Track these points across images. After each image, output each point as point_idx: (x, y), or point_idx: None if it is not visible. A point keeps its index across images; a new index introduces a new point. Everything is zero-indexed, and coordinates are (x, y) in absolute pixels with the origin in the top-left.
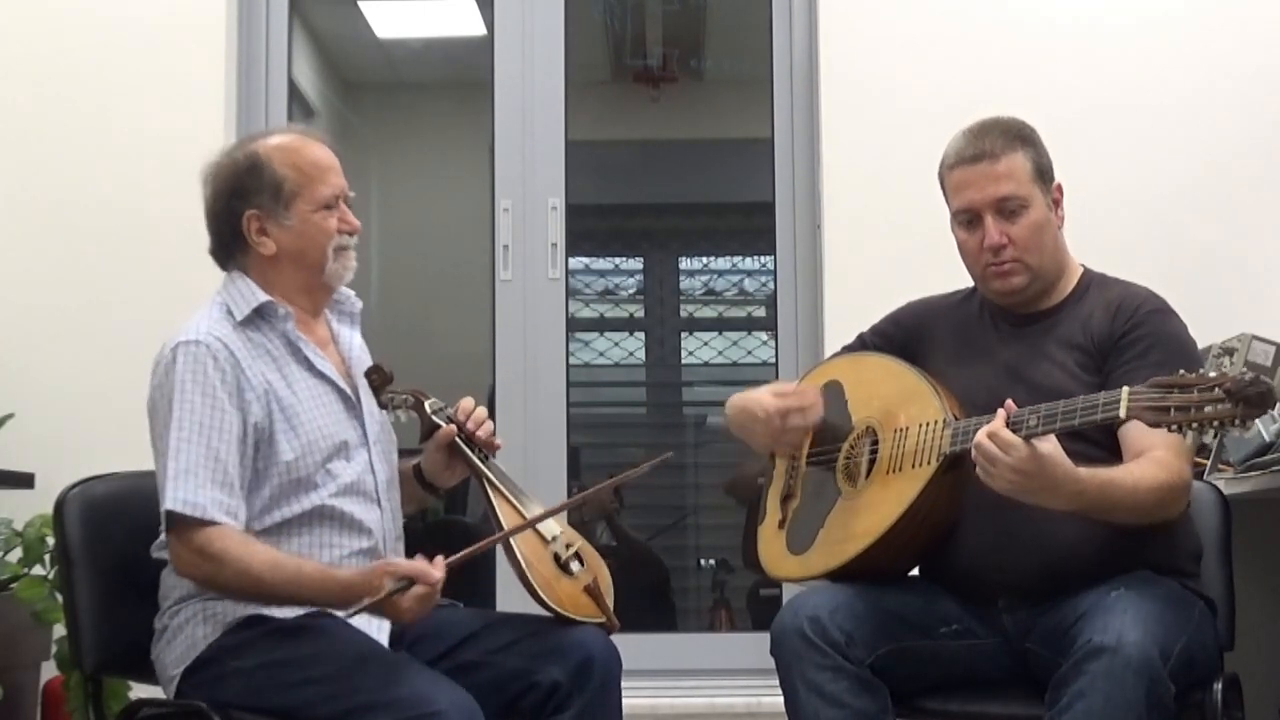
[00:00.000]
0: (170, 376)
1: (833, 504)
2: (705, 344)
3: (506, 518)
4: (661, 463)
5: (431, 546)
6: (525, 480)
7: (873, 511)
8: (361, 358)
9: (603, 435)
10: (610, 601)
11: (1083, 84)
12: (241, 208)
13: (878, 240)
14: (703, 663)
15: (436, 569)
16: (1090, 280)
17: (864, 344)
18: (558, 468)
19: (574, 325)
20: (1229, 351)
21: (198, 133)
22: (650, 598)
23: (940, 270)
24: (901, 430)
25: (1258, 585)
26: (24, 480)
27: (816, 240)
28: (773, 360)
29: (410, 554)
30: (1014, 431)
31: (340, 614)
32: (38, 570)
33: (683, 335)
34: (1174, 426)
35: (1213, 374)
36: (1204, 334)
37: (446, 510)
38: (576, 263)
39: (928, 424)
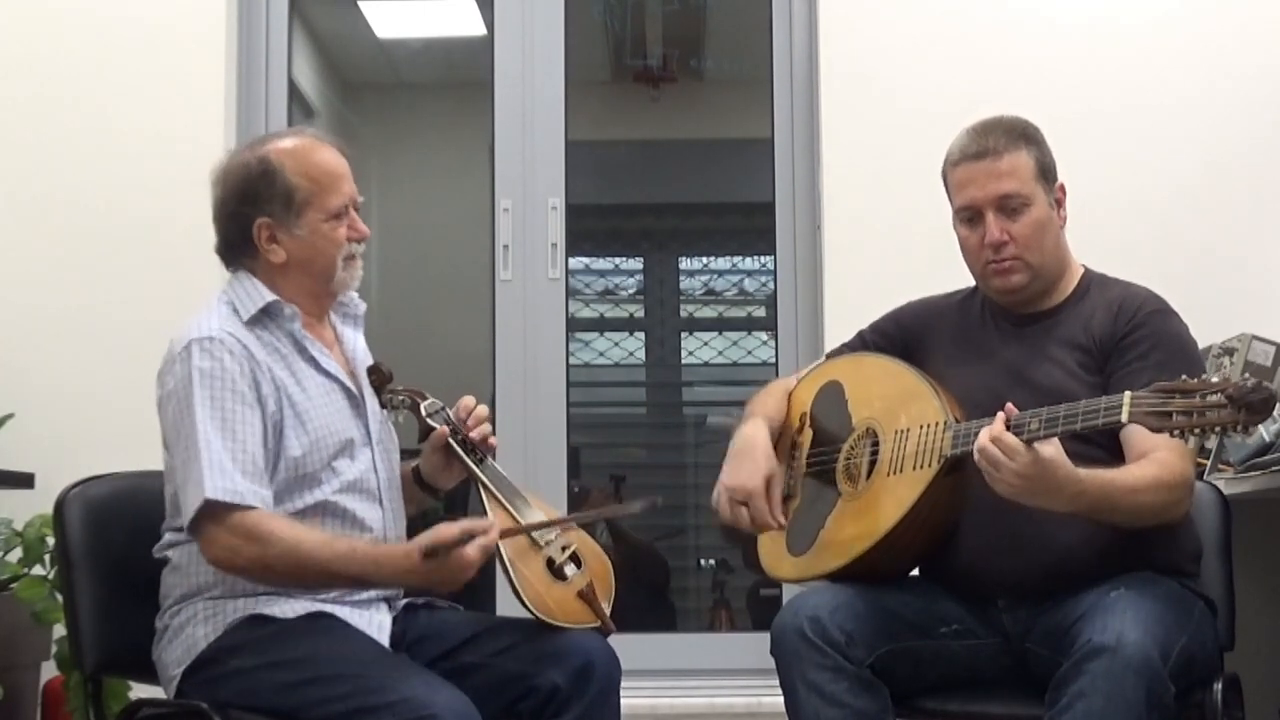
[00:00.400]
0: (188, 372)
1: (833, 505)
2: (705, 344)
3: (500, 523)
4: (651, 506)
5: None
6: (525, 480)
7: (873, 513)
8: (365, 359)
9: (603, 435)
10: (610, 602)
11: (1083, 84)
12: (252, 214)
13: (878, 240)
14: (703, 663)
15: (491, 524)
16: (1091, 280)
17: (864, 342)
18: (558, 468)
19: (574, 325)
20: (1229, 352)
21: (198, 133)
22: (650, 598)
23: (940, 270)
24: (902, 432)
25: (1258, 585)
26: (24, 480)
27: (816, 240)
28: (773, 360)
29: None
30: (1015, 435)
31: (347, 618)
32: (38, 570)
33: (683, 335)
34: (1176, 432)
35: (1215, 379)
36: (1204, 334)
37: (446, 510)
38: (576, 263)
39: (929, 426)
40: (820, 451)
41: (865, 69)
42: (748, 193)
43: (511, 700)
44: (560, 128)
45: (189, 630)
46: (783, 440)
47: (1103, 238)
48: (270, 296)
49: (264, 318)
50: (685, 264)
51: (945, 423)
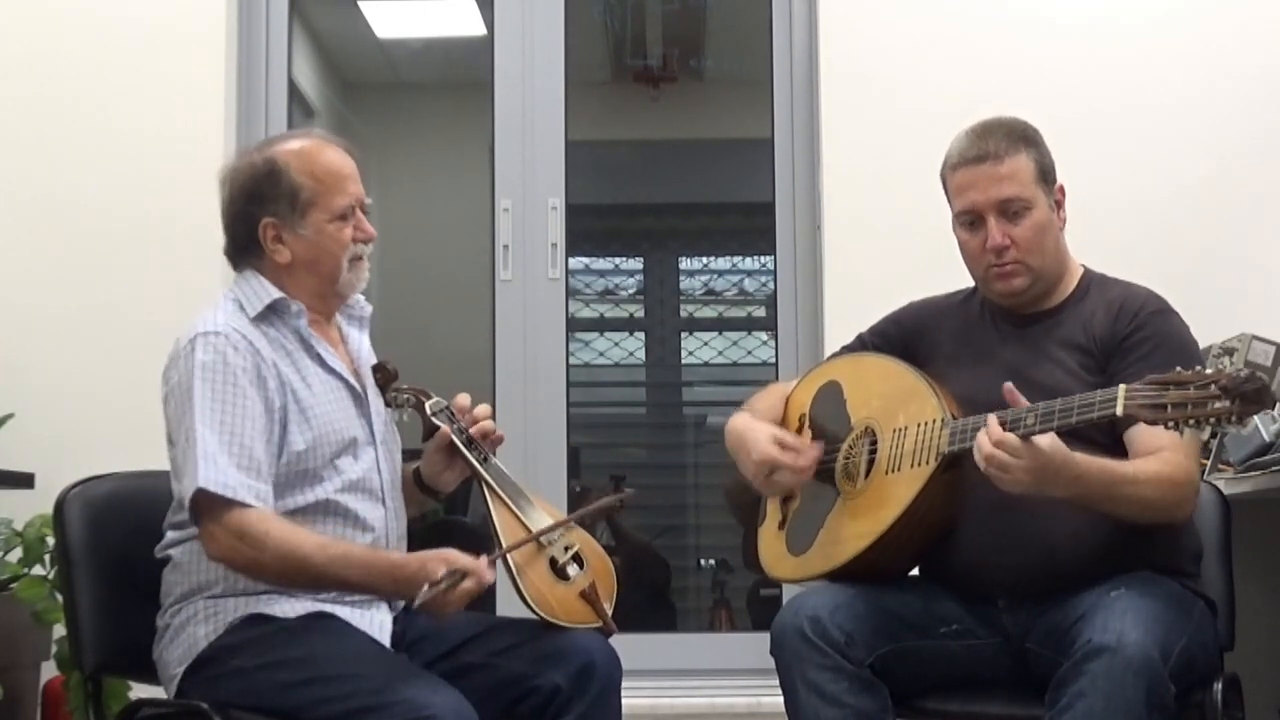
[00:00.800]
0: (190, 366)
1: (832, 504)
2: (705, 344)
3: (503, 524)
4: (619, 501)
5: (433, 547)
6: (525, 480)
7: (872, 511)
8: (370, 360)
9: (603, 435)
10: (611, 603)
11: (1083, 84)
12: (258, 214)
13: (878, 240)
14: (703, 663)
15: (488, 569)
16: (1091, 280)
17: (864, 344)
18: (558, 468)
19: (574, 325)
20: (1229, 351)
21: (198, 133)
22: (650, 598)
23: (940, 270)
24: (900, 430)
25: (1258, 585)
26: (24, 480)
27: (816, 240)
28: (773, 360)
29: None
30: (1012, 431)
31: (347, 618)
32: (38, 570)
33: (683, 335)
34: (1171, 424)
35: (1209, 371)
36: (1204, 334)
37: (447, 511)
38: (576, 263)
39: (926, 423)
40: None
41: (865, 69)
42: (748, 193)
43: (512, 701)
44: (560, 128)
45: (189, 629)
46: None
47: (1103, 238)
48: (276, 294)
49: (270, 315)
50: (685, 264)
51: (942, 420)
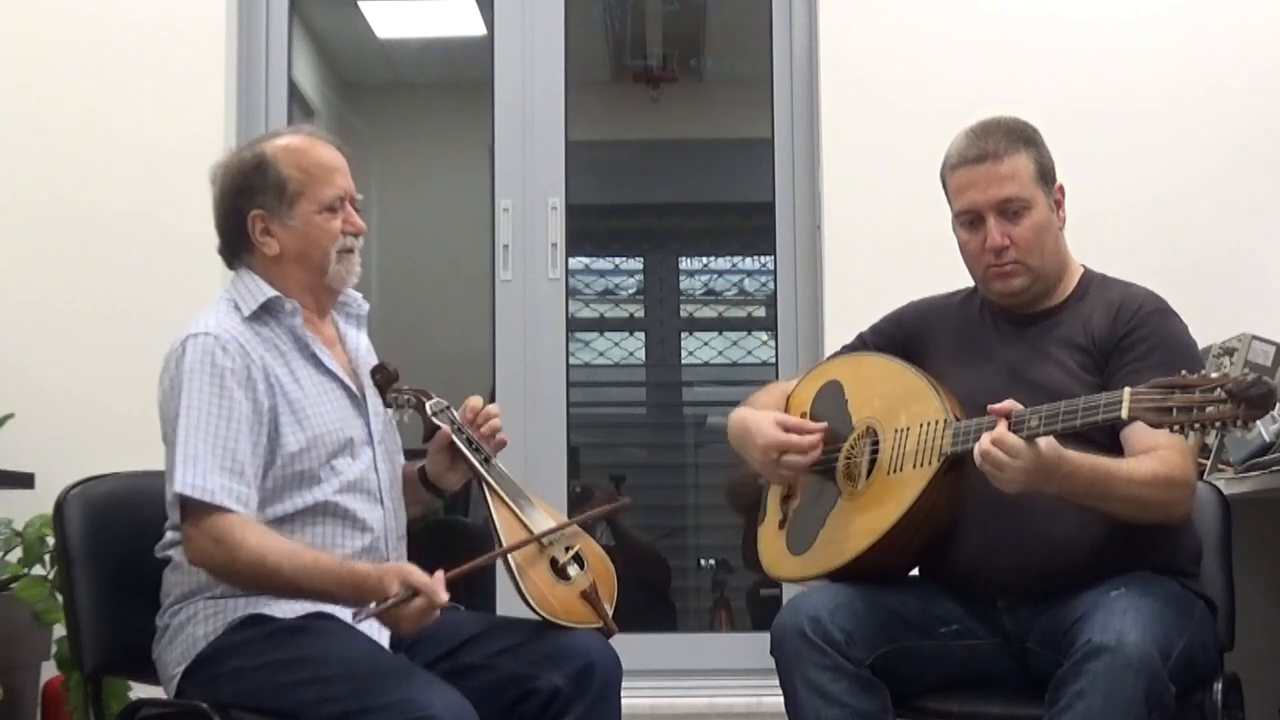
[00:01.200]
0: (179, 368)
1: (833, 504)
2: (705, 344)
3: (504, 524)
4: (619, 507)
5: (432, 547)
6: (525, 480)
7: (873, 512)
8: (368, 359)
9: (603, 435)
10: (611, 604)
11: (1083, 84)
12: (246, 207)
13: (878, 240)
14: (703, 663)
15: (442, 589)
16: (1091, 281)
17: (864, 344)
18: (558, 468)
19: (574, 325)
20: (1229, 351)
21: (198, 132)
22: (650, 598)
23: (940, 270)
24: (902, 430)
25: (1258, 585)
26: (24, 480)
27: (816, 240)
28: (773, 360)
29: (413, 554)
30: (1015, 433)
31: (346, 618)
32: (38, 570)
33: (683, 335)
34: (1176, 427)
35: (1214, 374)
36: (1204, 334)
37: (447, 510)
38: (576, 263)
39: (929, 424)
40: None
41: (865, 69)
42: (748, 193)
43: (512, 701)
44: (560, 128)
45: (189, 630)
46: None
47: (1103, 238)
48: (271, 292)
49: (265, 314)
50: (685, 264)
51: (945, 421)
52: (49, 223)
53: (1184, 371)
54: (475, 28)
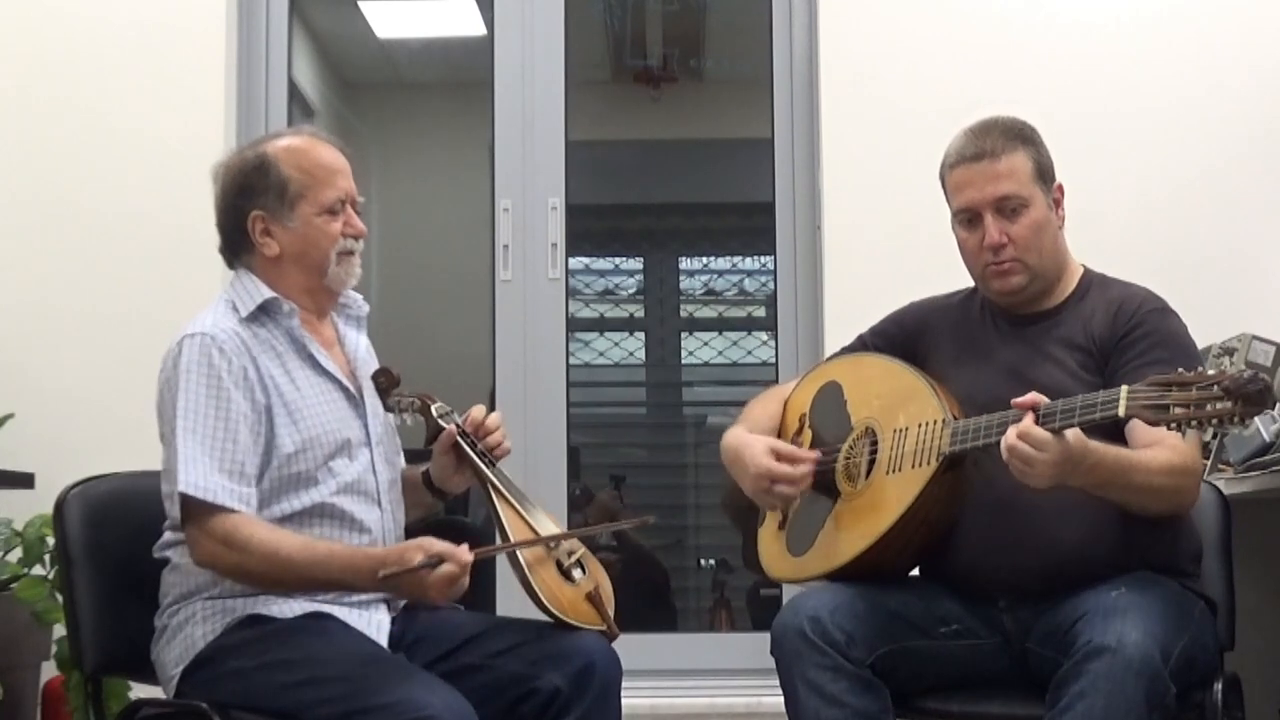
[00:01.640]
0: (176, 368)
1: (832, 505)
2: (705, 344)
3: (511, 523)
4: (642, 523)
5: None
6: (525, 481)
7: (872, 512)
8: (368, 360)
9: (603, 435)
10: (611, 610)
11: (1083, 84)
12: (247, 207)
13: (878, 240)
14: (703, 663)
15: (466, 552)
16: (1090, 280)
17: (864, 344)
18: (558, 468)
19: (574, 325)
20: (1229, 351)
21: (198, 132)
22: (651, 598)
23: (940, 270)
24: (901, 430)
25: (1258, 585)
26: (24, 480)
27: (816, 240)
28: (773, 360)
29: None
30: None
31: (346, 618)
32: (38, 570)
33: (683, 335)
34: (1173, 425)
35: (1211, 372)
36: (1204, 334)
37: (447, 511)
38: (576, 263)
39: (927, 424)
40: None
41: (865, 69)
42: (748, 193)
43: (512, 702)
44: (560, 128)
45: (188, 630)
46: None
47: (1103, 238)
48: (268, 293)
49: (262, 315)
50: (685, 264)
51: (944, 420)
52: (49, 223)
53: (1181, 370)
54: (475, 28)
